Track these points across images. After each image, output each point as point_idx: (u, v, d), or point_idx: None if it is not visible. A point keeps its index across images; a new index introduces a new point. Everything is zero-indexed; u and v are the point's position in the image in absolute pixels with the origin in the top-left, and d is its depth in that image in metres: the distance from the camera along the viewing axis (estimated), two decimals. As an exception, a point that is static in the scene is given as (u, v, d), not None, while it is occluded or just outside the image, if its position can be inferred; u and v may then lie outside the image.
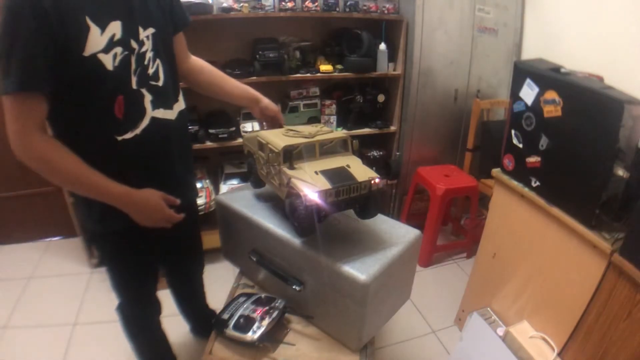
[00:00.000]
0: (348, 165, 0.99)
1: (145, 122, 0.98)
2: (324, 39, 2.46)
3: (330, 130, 1.13)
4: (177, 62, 1.12)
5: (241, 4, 2.03)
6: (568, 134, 1.24)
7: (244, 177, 2.22)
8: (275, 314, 1.02)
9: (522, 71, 1.38)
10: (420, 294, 2.08)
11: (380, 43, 2.31)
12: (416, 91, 2.38)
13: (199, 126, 2.16)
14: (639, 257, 1.06)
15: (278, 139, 1.03)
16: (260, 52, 2.12)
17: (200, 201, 2.07)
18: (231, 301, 1.11)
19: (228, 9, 2.02)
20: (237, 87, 1.29)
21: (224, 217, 1.24)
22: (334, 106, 2.41)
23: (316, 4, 2.16)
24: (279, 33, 2.31)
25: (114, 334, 1.32)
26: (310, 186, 0.90)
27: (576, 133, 1.21)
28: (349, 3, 2.21)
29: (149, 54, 0.97)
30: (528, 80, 1.35)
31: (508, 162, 1.50)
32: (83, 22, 0.83)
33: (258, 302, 1.07)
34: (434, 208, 2.25)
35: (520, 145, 1.43)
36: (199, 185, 2.16)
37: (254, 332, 0.98)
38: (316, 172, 0.95)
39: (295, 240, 1.02)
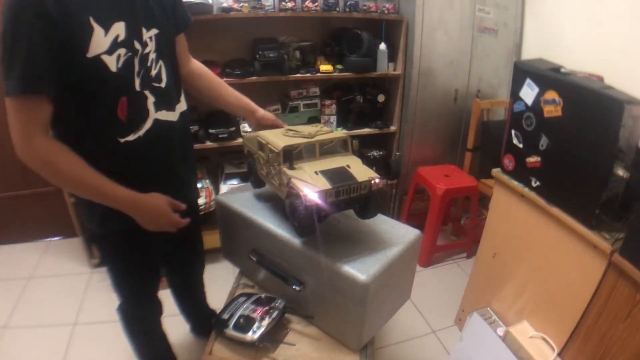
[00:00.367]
0: (348, 165, 0.99)
1: (148, 124, 0.98)
2: (324, 39, 2.46)
3: (330, 130, 1.13)
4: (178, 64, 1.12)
5: (241, 4, 2.03)
6: (568, 134, 1.24)
7: (244, 177, 2.22)
8: (275, 314, 1.02)
9: (522, 71, 1.38)
10: (420, 294, 2.07)
11: (380, 43, 2.31)
12: (416, 91, 2.38)
13: (199, 126, 2.16)
14: (639, 257, 1.06)
15: (278, 139, 1.03)
16: (260, 52, 2.12)
17: (200, 201, 2.07)
18: (231, 301, 1.11)
19: (228, 9, 2.01)
20: (235, 96, 1.29)
21: (224, 217, 1.24)
22: (334, 106, 2.41)
23: (316, 4, 2.16)
24: (279, 33, 2.31)
25: (114, 334, 1.32)
26: (310, 186, 0.90)
27: (576, 133, 1.21)
28: (349, 3, 2.21)
29: (152, 55, 0.96)
30: (528, 80, 1.35)
31: (508, 162, 1.50)
32: (87, 22, 0.81)
33: (258, 302, 1.07)
34: (434, 208, 2.25)
35: (520, 145, 1.43)
36: (199, 185, 2.16)
37: (254, 332, 0.98)
38: (316, 172, 0.95)
39: (295, 240, 1.02)
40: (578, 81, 1.23)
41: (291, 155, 0.97)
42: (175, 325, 1.62)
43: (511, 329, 1.45)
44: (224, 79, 2.07)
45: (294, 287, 1.04)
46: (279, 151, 0.98)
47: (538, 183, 1.39)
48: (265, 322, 1.00)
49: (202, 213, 2.02)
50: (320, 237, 0.99)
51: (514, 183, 1.48)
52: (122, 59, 0.88)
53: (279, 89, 2.40)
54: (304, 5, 2.15)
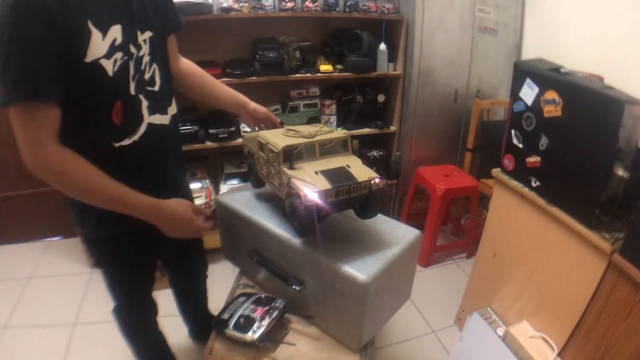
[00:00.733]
0: (348, 165, 0.99)
1: (142, 129, 0.97)
2: (324, 39, 2.46)
3: (330, 130, 1.12)
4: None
5: (241, 4, 2.03)
6: (568, 134, 1.24)
7: (244, 177, 2.22)
8: (275, 314, 1.02)
9: (522, 71, 1.38)
10: (420, 294, 2.07)
11: (380, 43, 2.31)
12: (416, 91, 2.38)
13: (199, 126, 2.16)
14: (639, 257, 1.06)
15: (278, 139, 1.03)
16: (260, 52, 2.12)
17: (200, 201, 2.07)
18: (231, 301, 1.11)
19: (228, 9, 2.02)
20: (226, 91, 1.28)
21: (224, 217, 1.24)
22: (334, 106, 2.41)
23: (316, 4, 2.16)
24: (279, 33, 2.31)
25: (114, 334, 1.32)
26: (310, 186, 0.90)
27: (576, 133, 1.21)
28: (349, 3, 2.21)
29: (146, 59, 0.95)
30: (528, 80, 1.35)
31: (508, 162, 1.50)
32: (85, 26, 0.79)
33: (258, 302, 1.07)
34: (434, 208, 2.25)
35: (520, 145, 1.43)
36: (199, 185, 2.16)
37: (254, 332, 0.98)
38: (316, 172, 0.95)
39: (295, 240, 1.02)
40: (578, 81, 1.23)
41: (291, 155, 0.97)
42: (174, 325, 1.62)
43: (511, 329, 1.45)
44: (224, 79, 2.08)
45: (294, 287, 1.04)
46: (279, 151, 0.98)
47: (538, 183, 1.39)
48: (265, 322, 1.00)
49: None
50: (320, 237, 0.99)
51: (514, 183, 1.48)
52: (118, 63, 0.86)
53: (279, 89, 2.40)
54: (304, 5, 2.16)
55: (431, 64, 2.35)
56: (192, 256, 1.46)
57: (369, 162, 2.46)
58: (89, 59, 0.81)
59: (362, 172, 0.97)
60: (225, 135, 2.17)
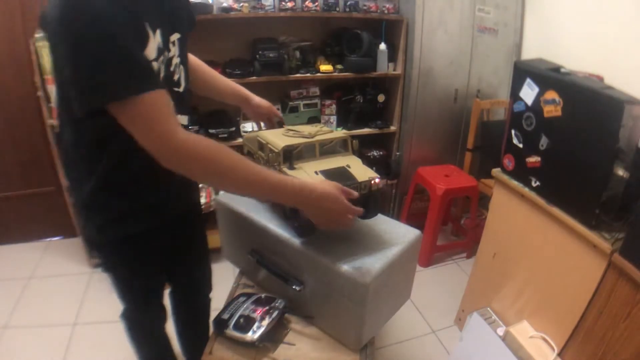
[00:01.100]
0: (348, 165, 0.99)
1: None
2: (324, 39, 2.46)
3: (330, 130, 1.12)
4: None
5: (241, 4, 2.03)
6: (568, 134, 1.24)
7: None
8: (275, 314, 1.02)
9: (522, 71, 1.38)
10: (420, 294, 2.08)
11: (380, 43, 2.31)
12: (416, 91, 2.38)
13: (199, 126, 2.16)
14: (639, 257, 1.06)
15: (278, 139, 1.03)
16: (260, 52, 2.12)
17: (200, 201, 2.06)
18: (231, 301, 1.10)
19: (228, 9, 2.02)
20: (228, 85, 1.27)
21: (224, 217, 1.24)
22: (334, 106, 2.41)
23: (316, 4, 2.16)
24: (279, 33, 2.31)
25: (114, 334, 1.32)
26: (310, 186, 0.90)
27: (576, 133, 1.21)
28: (349, 3, 2.21)
29: (176, 60, 0.93)
30: (528, 80, 1.35)
31: (508, 162, 1.50)
32: (145, 29, 0.77)
33: (258, 302, 1.07)
34: (434, 208, 2.25)
35: (520, 145, 1.43)
36: (199, 185, 2.16)
37: (254, 332, 0.98)
38: (316, 172, 0.95)
39: (295, 240, 1.01)
40: (578, 81, 1.23)
41: (291, 155, 0.97)
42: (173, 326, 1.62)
43: (511, 329, 1.45)
44: (224, 79, 2.07)
45: (294, 287, 1.04)
46: (279, 151, 0.98)
47: (538, 183, 1.39)
48: (265, 322, 1.00)
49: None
50: (320, 237, 0.99)
51: (514, 183, 1.48)
52: (162, 66, 0.85)
53: (279, 89, 2.40)
54: (304, 5, 2.16)
55: (431, 64, 2.35)
56: (199, 259, 1.38)
57: (369, 162, 2.46)
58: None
59: (362, 172, 0.97)
60: (225, 135, 2.17)
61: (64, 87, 0.82)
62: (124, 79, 0.72)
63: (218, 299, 1.38)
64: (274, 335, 1.02)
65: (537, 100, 1.32)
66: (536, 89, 1.32)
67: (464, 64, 2.42)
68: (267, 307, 1.03)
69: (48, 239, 2.52)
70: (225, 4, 2.02)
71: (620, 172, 1.14)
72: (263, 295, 1.10)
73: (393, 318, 1.16)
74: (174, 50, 0.92)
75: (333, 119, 2.42)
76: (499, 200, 1.61)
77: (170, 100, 0.80)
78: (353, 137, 1.10)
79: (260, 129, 1.36)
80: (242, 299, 1.10)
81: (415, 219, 2.32)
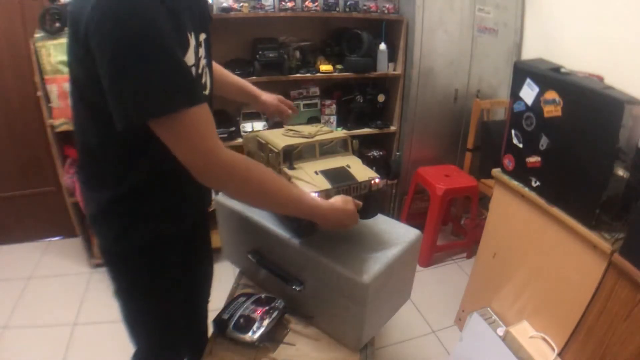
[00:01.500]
0: (348, 165, 0.99)
1: None
2: (324, 39, 2.46)
3: (330, 130, 1.12)
4: None
5: (241, 4, 2.03)
6: (568, 134, 1.24)
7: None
8: (275, 314, 1.02)
9: (522, 71, 1.38)
10: (420, 294, 2.08)
11: (380, 43, 2.31)
12: (416, 91, 2.38)
13: (199, 126, 2.15)
14: (639, 257, 1.06)
15: (278, 139, 1.03)
16: (260, 52, 2.12)
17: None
18: (231, 301, 1.10)
19: (228, 9, 2.01)
20: (237, 82, 1.26)
21: (224, 217, 1.24)
22: (334, 106, 2.41)
23: (316, 4, 2.16)
24: (279, 33, 2.31)
25: (114, 334, 1.31)
26: (310, 186, 0.90)
27: (576, 133, 1.21)
28: (349, 3, 2.21)
29: (203, 62, 0.87)
30: (528, 80, 1.35)
31: (508, 162, 1.50)
32: (185, 31, 0.73)
33: (258, 302, 1.07)
34: (434, 208, 2.25)
35: (520, 145, 1.43)
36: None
37: (254, 332, 0.98)
38: (316, 172, 0.95)
39: (295, 240, 1.01)
40: (578, 81, 1.23)
41: (291, 155, 0.97)
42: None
43: (511, 329, 1.45)
44: (224, 79, 2.07)
45: (294, 287, 1.04)
46: (279, 151, 0.98)
47: (538, 183, 1.39)
48: (265, 322, 1.00)
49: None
50: (320, 237, 0.99)
51: (514, 183, 1.48)
52: (196, 71, 0.81)
53: (279, 89, 2.39)
54: (304, 5, 2.16)
55: (431, 64, 2.35)
56: (204, 271, 1.29)
57: (369, 162, 2.46)
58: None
59: (362, 172, 0.98)
60: (225, 135, 2.17)
61: (89, 91, 0.75)
62: (172, 93, 0.67)
63: (218, 299, 1.38)
64: (274, 336, 1.02)
65: (537, 100, 1.32)
66: (536, 89, 1.32)
67: (464, 64, 2.42)
68: (267, 307, 1.03)
69: (48, 239, 2.52)
70: (225, 4, 2.02)
71: (620, 172, 1.13)
72: (263, 296, 1.10)
73: (393, 318, 1.16)
74: (202, 52, 0.86)
75: (333, 119, 2.42)
76: (499, 200, 1.61)
77: (211, 113, 0.75)
78: (353, 137, 1.10)
79: (269, 127, 1.34)
80: (242, 299, 1.10)
81: (415, 219, 2.32)
